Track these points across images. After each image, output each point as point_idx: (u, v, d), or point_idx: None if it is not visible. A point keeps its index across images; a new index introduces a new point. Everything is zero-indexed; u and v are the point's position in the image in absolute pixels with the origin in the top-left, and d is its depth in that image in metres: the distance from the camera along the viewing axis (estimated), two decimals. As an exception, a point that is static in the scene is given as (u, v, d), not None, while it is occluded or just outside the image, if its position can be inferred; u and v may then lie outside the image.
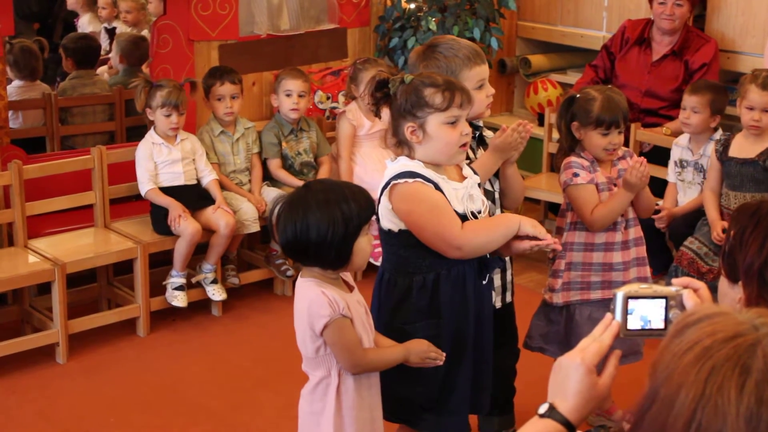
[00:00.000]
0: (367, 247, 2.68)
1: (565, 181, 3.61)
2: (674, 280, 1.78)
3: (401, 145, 2.94)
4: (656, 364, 1.34)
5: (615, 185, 3.61)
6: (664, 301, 1.72)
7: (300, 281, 2.72)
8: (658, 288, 1.74)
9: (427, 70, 3.16)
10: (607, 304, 3.59)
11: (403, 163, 2.90)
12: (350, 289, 2.78)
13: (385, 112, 2.98)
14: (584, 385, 1.66)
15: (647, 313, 1.72)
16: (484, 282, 3.01)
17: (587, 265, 3.62)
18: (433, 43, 3.32)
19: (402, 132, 2.90)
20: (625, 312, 1.71)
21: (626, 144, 4.94)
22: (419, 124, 2.86)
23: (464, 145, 2.90)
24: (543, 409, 1.67)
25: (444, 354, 2.82)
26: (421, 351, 2.79)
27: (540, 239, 2.86)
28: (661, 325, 1.73)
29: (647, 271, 3.69)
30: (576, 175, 3.59)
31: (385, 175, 2.93)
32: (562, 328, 3.68)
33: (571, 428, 1.65)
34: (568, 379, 1.67)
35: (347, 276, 2.81)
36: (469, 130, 2.91)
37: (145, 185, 4.77)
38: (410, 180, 2.85)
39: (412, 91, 2.87)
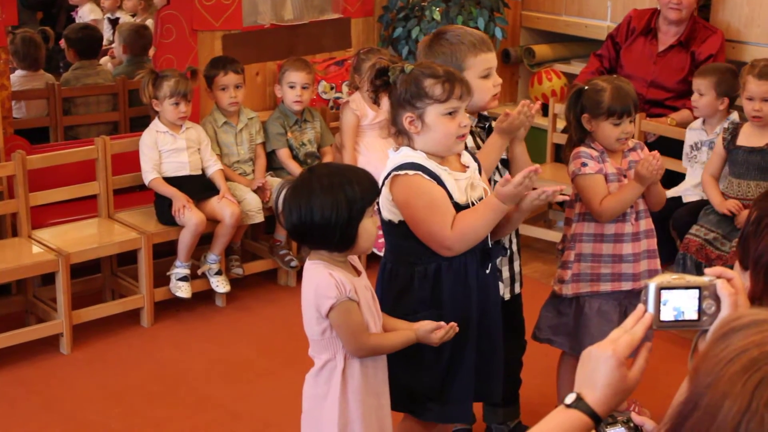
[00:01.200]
0: (372, 229, 2.68)
1: (574, 171, 3.58)
2: (707, 270, 1.74)
3: (400, 135, 2.93)
4: (698, 368, 1.30)
5: (625, 176, 3.58)
6: (697, 291, 1.69)
7: (308, 264, 2.73)
8: (690, 278, 1.71)
9: (433, 58, 3.15)
10: (617, 297, 3.60)
11: (405, 154, 2.89)
12: (358, 273, 2.78)
13: (384, 101, 2.96)
14: (614, 377, 1.64)
15: (680, 304, 1.70)
16: (487, 271, 3.00)
17: (597, 257, 3.60)
18: (441, 31, 3.31)
19: (401, 122, 2.89)
20: (658, 303, 1.69)
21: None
22: (418, 114, 2.86)
23: (462, 136, 2.89)
24: (570, 399, 1.64)
25: (452, 324, 2.81)
26: (429, 328, 2.78)
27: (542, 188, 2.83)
28: (695, 316, 1.70)
29: (658, 263, 3.65)
30: (584, 164, 3.56)
31: (387, 166, 2.93)
32: (571, 320, 3.66)
33: (597, 420, 1.63)
34: (597, 370, 1.64)
35: (355, 260, 2.81)
36: (467, 121, 2.89)
37: (149, 174, 4.76)
38: (411, 172, 2.84)
39: (412, 82, 2.86)
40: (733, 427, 1.22)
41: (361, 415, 2.76)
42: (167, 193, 4.73)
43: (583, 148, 3.61)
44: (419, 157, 2.87)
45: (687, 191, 4.88)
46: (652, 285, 1.70)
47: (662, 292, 1.69)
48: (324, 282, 2.65)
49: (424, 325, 2.80)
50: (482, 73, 3.21)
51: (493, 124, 3.41)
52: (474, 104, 3.15)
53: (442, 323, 2.79)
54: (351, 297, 2.66)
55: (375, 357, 2.79)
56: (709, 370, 1.28)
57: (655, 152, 3.49)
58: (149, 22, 6.57)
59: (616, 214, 3.54)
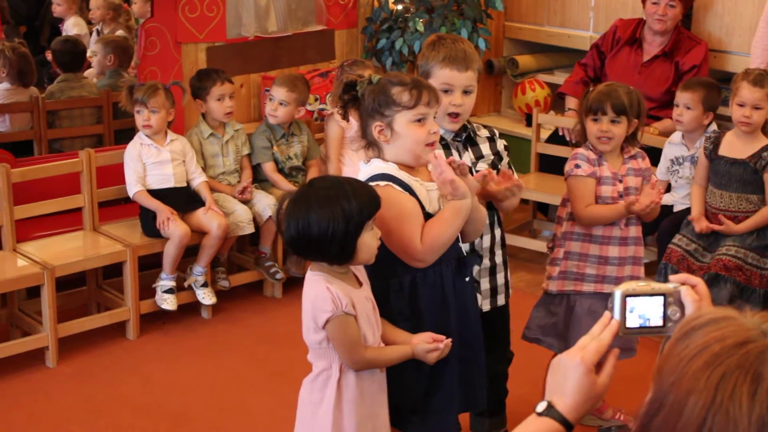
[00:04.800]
0: (372, 243, 2.67)
1: (567, 171, 3.66)
2: (672, 277, 1.77)
3: (371, 147, 2.93)
4: (662, 367, 1.32)
5: (620, 181, 3.65)
6: (662, 298, 1.72)
7: (308, 275, 2.73)
8: (655, 285, 1.73)
9: (420, 60, 3.25)
10: (605, 297, 3.62)
11: (376, 166, 2.88)
12: (360, 283, 2.78)
13: (354, 116, 2.96)
14: (583, 384, 1.66)
15: (645, 311, 1.72)
16: (467, 279, 2.98)
17: (584, 256, 3.66)
18: (439, 36, 3.35)
19: (370, 132, 2.89)
20: (624, 310, 1.71)
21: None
22: (387, 123, 2.85)
23: (431, 144, 2.88)
24: (541, 407, 1.67)
25: (446, 340, 2.80)
26: (426, 348, 2.78)
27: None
28: (660, 323, 1.73)
29: (641, 270, 3.70)
30: (578, 166, 3.64)
31: (359, 178, 2.91)
32: (561, 321, 3.70)
33: (569, 426, 1.65)
34: (567, 377, 1.67)
35: (359, 270, 2.81)
36: (437, 128, 2.89)
37: (133, 187, 4.76)
38: (382, 183, 2.82)
39: (380, 91, 2.86)
40: (699, 423, 1.24)
41: (356, 425, 2.76)
42: (151, 206, 4.73)
43: (581, 150, 3.69)
44: (390, 169, 2.85)
45: (677, 202, 4.91)
46: (618, 292, 1.72)
47: (628, 299, 1.72)
48: (321, 295, 2.65)
49: (422, 341, 2.79)
50: (440, 87, 3.20)
51: (479, 132, 3.41)
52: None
53: (439, 343, 2.78)
54: (347, 311, 2.65)
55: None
56: (672, 368, 1.30)
57: (656, 192, 3.54)
58: (119, 33, 6.57)
59: (596, 224, 3.62)
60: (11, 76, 5.64)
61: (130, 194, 4.78)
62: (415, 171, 2.90)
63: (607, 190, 3.64)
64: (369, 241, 2.66)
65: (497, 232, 3.44)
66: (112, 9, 6.94)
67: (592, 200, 3.64)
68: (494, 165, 3.37)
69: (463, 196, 2.78)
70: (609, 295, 3.68)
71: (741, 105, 4.41)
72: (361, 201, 2.62)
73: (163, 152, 4.81)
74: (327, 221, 2.59)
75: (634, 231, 3.67)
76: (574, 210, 3.63)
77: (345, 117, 2.99)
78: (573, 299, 3.69)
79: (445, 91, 3.23)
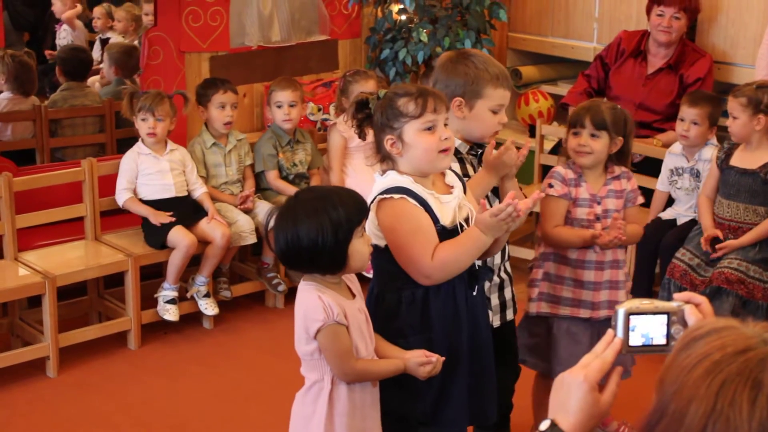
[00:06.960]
0: (364, 249, 2.67)
1: (541, 189, 3.56)
2: (676, 295, 1.77)
3: (385, 161, 2.92)
4: (663, 378, 1.33)
5: (599, 203, 3.57)
6: (665, 317, 1.72)
7: (301, 285, 2.73)
8: (659, 304, 1.73)
9: (453, 76, 3.19)
10: (582, 321, 3.57)
11: (393, 178, 2.87)
12: (353, 295, 2.76)
13: (370, 133, 2.96)
14: (587, 402, 1.65)
15: (649, 330, 1.72)
16: (474, 293, 2.98)
17: (560, 278, 3.59)
18: (467, 52, 3.31)
19: (383, 147, 2.88)
20: (627, 328, 1.71)
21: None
22: (397, 135, 2.84)
23: (445, 150, 2.87)
24: (544, 425, 1.66)
25: (438, 357, 2.79)
26: (419, 362, 2.77)
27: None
28: (663, 341, 1.72)
29: (618, 295, 3.58)
30: (551, 185, 3.57)
31: (373, 190, 2.91)
32: (543, 341, 3.65)
33: None
34: (570, 396, 1.66)
35: (353, 281, 2.79)
36: (449, 134, 2.87)
37: (122, 195, 4.75)
38: (396, 196, 2.81)
39: (387, 104, 2.86)
40: (699, 429, 1.25)
41: None
42: (141, 212, 4.73)
43: (559, 168, 3.61)
44: (406, 181, 2.85)
45: (680, 215, 4.89)
46: (621, 310, 1.72)
47: (631, 317, 1.71)
48: (312, 305, 2.65)
49: (414, 357, 2.78)
50: (494, 108, 3.20)
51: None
52: (471, 133, 3.14)
53: (432, 358, 2.77)
54: (339, 321, 2.64)
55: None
56: (674, 378, 1.31)
57: (616, 230, 3.45)
58: (137, 42, 6.57)
59: (559, 246, 3.56)
60: (10, 84, 5.62)
61: (119, 202, 4.76)
62: (431, 183, 2.89)
63: (583, 212, 3.56)
64: (360, 248, 2.65)
65: (506, 248, 3.42)
66: (134, 20, 6.96)
67: (561, 221, 3.56)
68: None
69: (486, 232, 2.76)
70: (586, 321, 3.66)
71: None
72: (347, 209, 2.62)
73: (162, 162, 4.79)
74: (316, 231, 2.58)
75: (611, 255, 3.57)
76: (542, 229, 3.58)
77: (362, 136, 2.98)
78: (551, 321, 3.62)
79: (495, 112, 3.22)
